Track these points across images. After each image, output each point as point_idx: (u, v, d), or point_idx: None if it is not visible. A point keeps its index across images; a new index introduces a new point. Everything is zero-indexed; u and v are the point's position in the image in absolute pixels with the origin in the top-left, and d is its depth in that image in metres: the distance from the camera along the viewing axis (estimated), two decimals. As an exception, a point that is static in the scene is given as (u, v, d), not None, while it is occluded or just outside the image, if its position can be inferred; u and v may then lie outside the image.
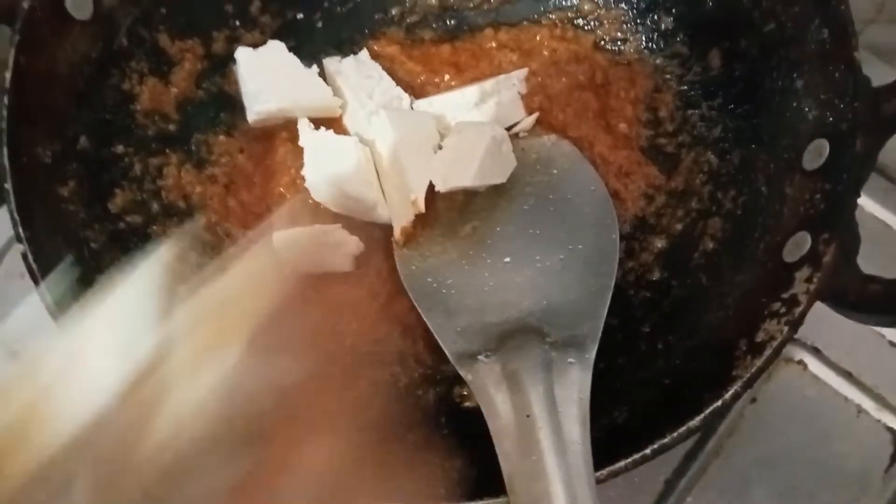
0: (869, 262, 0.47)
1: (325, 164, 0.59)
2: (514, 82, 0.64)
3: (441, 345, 0.53)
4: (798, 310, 0.47)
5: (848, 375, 0.65)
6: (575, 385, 0.47)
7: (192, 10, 0.63)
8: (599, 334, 0.51)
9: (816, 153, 0.51)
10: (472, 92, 0.62)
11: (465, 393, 0.57)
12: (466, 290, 0.57)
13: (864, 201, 0.68)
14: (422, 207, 0.57)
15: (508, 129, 0.63)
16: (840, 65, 0.50)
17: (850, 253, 0.47)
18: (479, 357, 0.50)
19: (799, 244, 0.50)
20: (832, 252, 0.47)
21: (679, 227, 0.60)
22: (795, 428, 0.64)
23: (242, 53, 0.63)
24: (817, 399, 0.65)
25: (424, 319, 0.55)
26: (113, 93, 0.59)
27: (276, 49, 0.63)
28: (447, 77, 0.66)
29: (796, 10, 0.54)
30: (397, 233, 0.59)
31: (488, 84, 0.63)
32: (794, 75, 0.54)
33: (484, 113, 0.62)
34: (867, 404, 0.65)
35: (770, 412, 0.65)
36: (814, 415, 0.65)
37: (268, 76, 0.62)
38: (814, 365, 0.66)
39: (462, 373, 0.51)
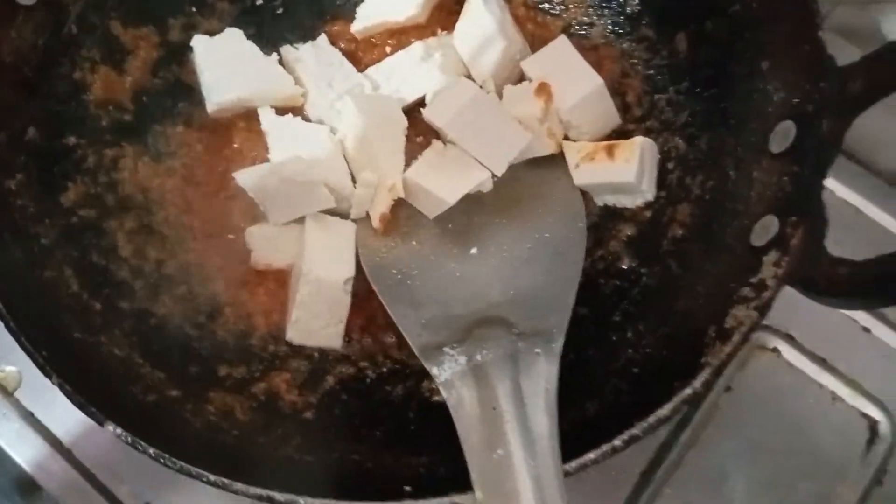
0: (837, 246, 0.46)
1: (293, 151, 0.57)
2: None
3: (405, 337, 0.52)
4: (766, 294, 0.46)
5: (822, 362, 0.65)
6: (542, 376, 0.46)
7: (146, -4, 0.61)
8: (566, 324, 0.50)
9: (783, 135, 0.50)
10: (416, 49, 0.61)
11: (435, 387, 0.56)
12: (432, 281, 0.56)
13: (834, 185, 0.68)
14: (401, 192, 0.56)
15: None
16: (805, 45, 0.50)
17: (817, 236, 0.46)
18: (445, 349, 0.50)
19: (767, 228, 0.49)
20: (800, 235, 0.46)
21: (648, 214, 0.59)
22: (771, 416, 0.64)
23: (199, 42, 0.61)
24: (792, 387, 0.64)
25: (388, 311, 0.54)
26: (63, 82, 0.57)
27: (234, 37, 0.62)
28: (388, 50, 0.64)
29: (761, -10, 0.53)
30: (375, 220, 0.58)
31: (432, 39, 0.62)
32: (760, 57, 0.53)
33: (431, 66, 0.60)
34: (842, 391, 0.64)
35: (745, 401, 0.64)
36: (789, 402, 0.64)
37: (226, 65, 0.61)
38: (788, 352, 0.65)
39: (427, 366, 0.49)
